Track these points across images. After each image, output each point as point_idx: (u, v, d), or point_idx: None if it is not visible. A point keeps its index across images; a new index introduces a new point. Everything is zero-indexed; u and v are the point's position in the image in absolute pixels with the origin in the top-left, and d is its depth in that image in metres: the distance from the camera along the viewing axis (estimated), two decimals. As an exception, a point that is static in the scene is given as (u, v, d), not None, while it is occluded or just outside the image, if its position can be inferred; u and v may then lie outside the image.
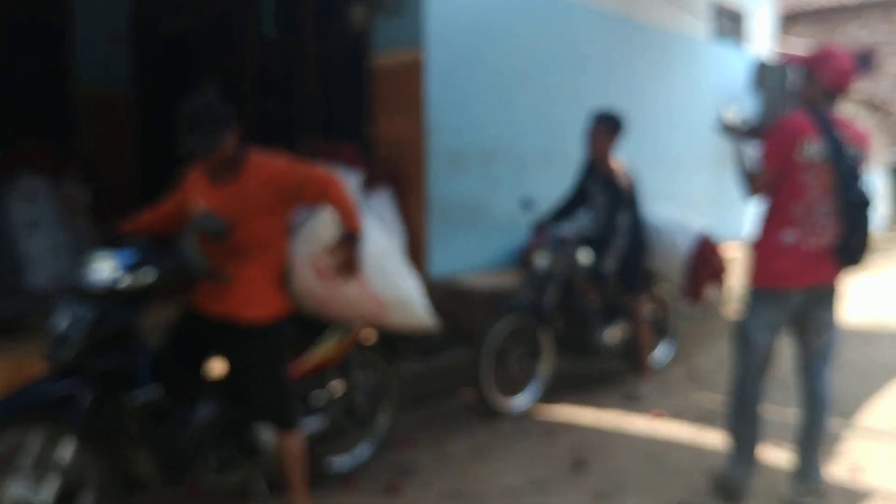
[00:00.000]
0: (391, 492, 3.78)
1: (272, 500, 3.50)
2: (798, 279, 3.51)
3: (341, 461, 3.90)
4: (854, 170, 3.44)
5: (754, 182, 3.55)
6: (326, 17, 6.77)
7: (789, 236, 3.50)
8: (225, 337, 3.26)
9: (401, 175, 6.05)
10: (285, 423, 3.35)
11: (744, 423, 3.71)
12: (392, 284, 3.60)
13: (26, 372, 4.12)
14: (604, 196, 5.35)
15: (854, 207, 3.39)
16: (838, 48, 3.62)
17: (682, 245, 5.67)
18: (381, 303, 3.59)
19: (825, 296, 3.60)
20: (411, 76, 5.93)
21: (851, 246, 3.45)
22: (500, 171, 6.55)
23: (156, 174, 8.57)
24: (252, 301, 3.24)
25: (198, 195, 3.28)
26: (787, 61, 3.87)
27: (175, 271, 3.07)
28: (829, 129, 3.42)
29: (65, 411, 2.86)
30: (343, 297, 3.51)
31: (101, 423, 2.97)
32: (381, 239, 3.69)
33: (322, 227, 3.43)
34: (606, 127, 5.26)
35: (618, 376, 5.91)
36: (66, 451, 2.86)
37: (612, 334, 5.52)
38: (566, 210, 5.51)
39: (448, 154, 6.10)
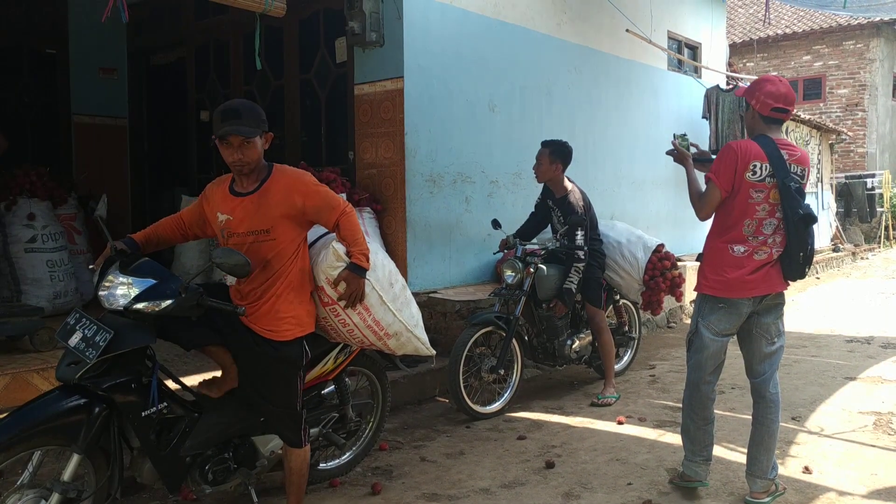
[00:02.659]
0: (373, 494, 3.82)
1: (261, 506, 3.50)
2: (746, 290, 3.58)
3: (327, 465, 3.93)
4: (800, 188, 3.54)
5: (705, 202, 3.63)
6: (310, 49, 6.84)
7: (739, 250, 3.58)
8: (249, 349, 3.21)
9: (381, 196, 6.13)
10: (298, 439, 3.32)
11: (696, 423, 3.78)
12: (396, 312, 3.47)
13: (27, 388, 4.14)
14: (561, 215, 5.48)
15: (799, 223, 3.47)
16: (772, 76, 3.72)
17: (642, 259, 5.79)
18: (384, 332, 3.46)
19: (773, 306, 3.67)
20: (391, 104, 6.02)
21: (797, 259, 3.53)
22: (473, 192, 6.64)
23: (148, 198, 8.61)
24: (278, 317, 3.19)
25: (218, 208, 3.24)
26: (737, 94, 3.98)
27: (191, 304, 2.99)
28: (774, 152, 3.50)
29: (71, 429, 2.82)
30: (346, 325, 3.39)
31: (105, 439, 2.93)
32: (389, 265, 3.56)
33: (330, 257, 3.28)
34: (551, 152, 5.43)
35: (586, 383, 6.00)
36: (70, 466, 2.83)
37: (579, 343, 5.61)
38: (530, 229, 5.70)
39: (425, 176, 6.19)
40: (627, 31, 8.45)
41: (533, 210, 5.86)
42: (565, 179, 5.50)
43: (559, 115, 7.51)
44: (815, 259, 3.61)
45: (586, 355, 5.73)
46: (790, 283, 3.68)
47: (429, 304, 5.95)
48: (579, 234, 5.27)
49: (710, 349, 3.71)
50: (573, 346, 5.55)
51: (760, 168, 3.49)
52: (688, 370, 3.84)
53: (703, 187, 3.69)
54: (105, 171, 8.11)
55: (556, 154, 5.43)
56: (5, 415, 2.85)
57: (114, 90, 8.32)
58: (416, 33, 6.03)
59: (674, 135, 4.03)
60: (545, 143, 5.50)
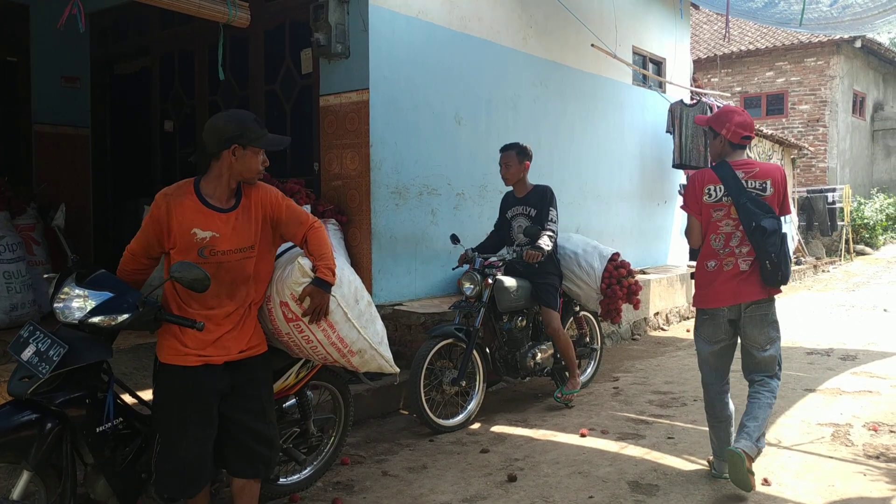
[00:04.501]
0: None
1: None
2: (720, 300, 4.02)
3: (288, 480, 3.88)
4: (759, 201, 3.92)
5: (690, 230, 4.17)
6: (276, 60, 6.81)
7: (710, 265, 4.06)
8: (234, 372, 3.11)
9: (346, 208, 6.12)
10: (268, 469, 3.26)
11: (710, 422, 4.21)
12: (360, 329, 3.40)
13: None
14: (526, 217, 5.58)
15: (755, 233, 3.87)
16: (735, 108, 4.22)
17: (598, 268, 5.85)
18: (348, 350, 3.39)
19: (755, 314, 4.01)
20: (357, 116, 6.02)
21: (766, 267, 3.90)
22: (438, 205, 6.65)
23: (111, 208, 8.48)
24: (257, 330, 3.21)
25: (194, 224, 3.04)
26: (697, 122, 4.46)
27: (149, 318, 2.94)
28: (728, 174, 3.97)
29: (21, 445, 2.74)
30: (310, 341, 3.31)
31: (57, 456, 2.86)
32: (355, 282, 3.50)
33: (296, 272, 3.19)
34: (517, 152, 5.61)
35: (549, 395, 6.01)
36: (20, 483, 2.75)
37: (541, 356, 5.63)
38: (490, 246, 5.78)
39: (391, 188, 6.18)
40: (593, 45, 8.55)
41: (493, 228, 5.94)
42: (528, 178, 5.71)
43: (525, 128, 7.56)
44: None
45: (548, 367, 5.75)
46: (773, 291, 4.01)
47: (394, 317, 5.93)
48: (553, 212, 5.50)
49: (703, 354, 4.20)
50: (535, 358, 5.57)
51: (715, 190, 4.00)
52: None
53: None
54: (66, 180, 7.98)
55: (522, 153, 5.62)
56: (-48, 431, 2.78)
57: (76, 99, 8.20)
58: (381, 45, 6.04)
59: (680, 185, 4.65)
60: (507, 147, 5.68)
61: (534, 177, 5.81)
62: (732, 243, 3.98)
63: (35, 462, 2.77)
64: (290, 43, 6.68)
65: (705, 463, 4.37)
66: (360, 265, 6.00)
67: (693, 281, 4.24)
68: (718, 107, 10.38)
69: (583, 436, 4.98)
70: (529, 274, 5.52)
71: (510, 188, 5.80)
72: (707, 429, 4.30)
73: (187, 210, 3.04)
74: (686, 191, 4.15)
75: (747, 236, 3.91)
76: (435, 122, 6.60)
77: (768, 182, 3.96)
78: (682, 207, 4.21)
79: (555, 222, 5.50)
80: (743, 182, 3.95)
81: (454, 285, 6.75)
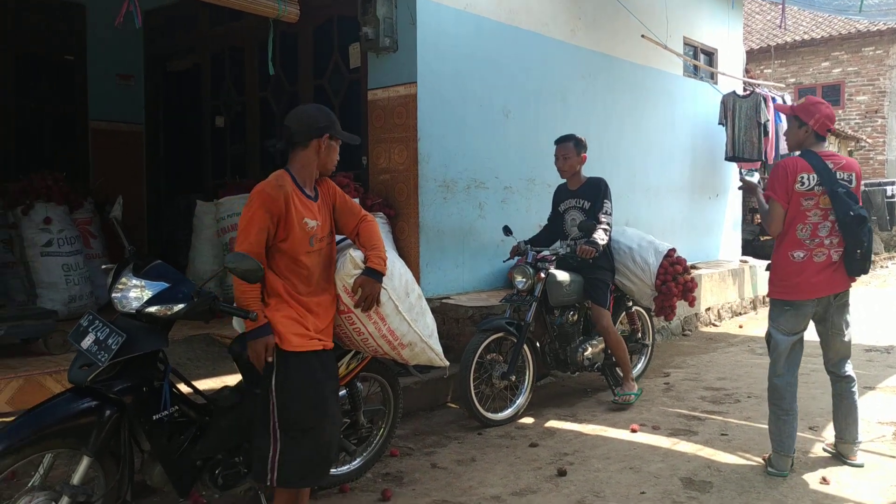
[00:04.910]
0: (383, 501, 3.81)
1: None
2: (811, 292, 4.03)
3: (338, 471, 3.91)
4: (849, 192, 3.95)
5: (772, 217, 4.08)
6: (325, 55, 6.87)
7: (798, 255, 4.04)
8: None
9: (394, 202, 6.14)
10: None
11: (776, 413, 4.11)
12: (411, 322, 3.44)
13: (40, 391, 4.17)
14: (580, 210, 5.49)
15: (852, 223, 3.89)
16: (818, 99, 4.19)
17: (653, 264, 5.75)
18: (398, 342, 3.44)
19: (840, 305, 4.10)
20: (405, 109, 6.03)
21: (855, 256, 3.95)
22: (486, 198, 6.63)
23: (163, 203, 8.65)
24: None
25: (305, 214, 3.15)
26: (778, 109, 4.52)
27: (204, 308, 3.01)
28: (819, 164, 3.98)
29: (82, 431, 2.82)
30: (360, 333, 3.36)
31: (116, 442, 2.93)
32: (406, 275, 3.55)
33: (347, 265, 3.25)
34: (575, 143, 5.55)
35: (599, 390, 5.96)
36: (80, 469, 2.83)
37: (591, 350, 5.57)
38: (543, 239, 5.71)
39: (438, 182, 6.18)
40: (643, 36, 8.42)
41: (547, 222, 5.89)
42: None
43: (573, 121, 7.48)
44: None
45: (599, 362, 5.68)
46: (854, 279, 4.10)
47: (441, 310, 5.93)
48: (608, 205, 5.44)
49: (781, 346, 4.11)
50: (585, 353, 5.51)
51: (808, 179, 3.98)
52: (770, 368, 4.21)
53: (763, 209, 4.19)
54: (121, 176, 8.18)
55: (579, 145, 5.57)
56: (17, 417, 2.87)
57: (130, 96, 8.40)
58: (429, 39, 6.04)
59: (740, 171, 4.56)
60: (563, 139, 5.60)
61: (583, 169, 5.75)
62: (821, 233, 3.99)
63: (94, 448, 2.84)
64: (339, 37, 6.73)
65: (761, 460, 4.28)
66: (408, 258, 6.01)
67: (767, 274, 4.21)
68: (773, 98, 10.15)
69: (633, 431, 4.92)
70: (582, 268, 5.44)
71: (563, 181, 5.72)
72: (762, 426, 4.22)
73: (297, 201, 3.14)
74: (774, 178, 4.07)
75: (841, 225, 3.92)
76: (483, 115, 6.58)
77: (853, 175, 4.05)
78: (765, 194, 4.14)
79: (609, 215, 5.42)
80: (833, 173, 3.97)
81: (502, 279, 6.74)
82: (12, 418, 3.21)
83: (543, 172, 7.08)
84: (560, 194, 5.77)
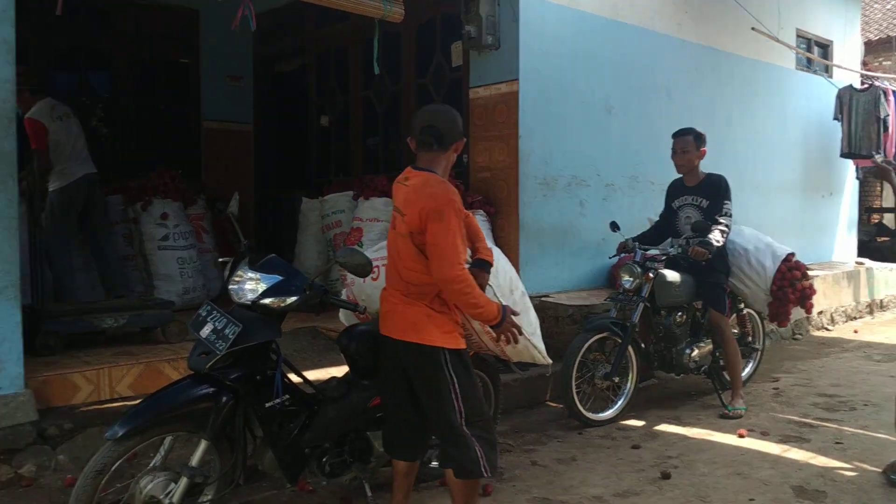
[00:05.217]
0: (484, 495, 3.83)
1: None
2: None
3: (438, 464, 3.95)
4: None
5: None
6: (427, 54, 6.95)
7: None
8: None
9: (494, 199, 6.15)
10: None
11: None
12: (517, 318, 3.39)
13: (159, 377, 4.40)
14: (696, 208, 5.34)
15: None
16: None
17: (770, 268, 5.52)
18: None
19: None
20: (506, 107, 6.04)
21: None
22: (587, 196, 6.56)
23: (271, 200, 8.96)
24: None
25: None
26: None
27: (315, 301, 3.12)
28: None
29: (200, 416, 2.97)
30: (465, 329, 3.34)
31: (231, 428, 3.07)
32: (510, 272, 3.57)
33: None
34: (695, 137, 5.34)
35: (704, 393, 5.81)
36: (198, 452, 2.98)
37: (698, 352, 5.42)
38: (652, 236, 5.54)
39: (539, 179, 6.16)
40: (753, 29, 8.13)
41: (658, 219, 5.74)
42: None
43: (678, 115, 7.30)
44: None
45: (705, 365, 5.52)
46: None
47: (540, 308, 5.90)
48: (727, 205, 5.22)
49: None
50: (692, 355, 5.37)
51: None
52: None
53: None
54: (231, 173, 8.51)
55: (699, 139, 5.35)
56: (142, 400, 3.04)
57: (240, 97, 8.73)
58: (531, 36, 6.02)
59: (873, 153, 4.32)
60: (682, 132, 5.40)
61: (690, 166, 5.61)
62: None
63: (212, 432, 2.99)
64: (441, 36, 6.79)
65: (880, 470, 4.08)
66: (508, 256, 5.96)
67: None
68: (894, 92, 9.62)
69: (741, 436, 4.77)
70: (694, 270, 5.26)
71: (678, 176, 5.54)
72: (880, 436, 4.02)
73: None
74: None
75: None
76: (585, 111, 6.51)
77: None
78: None
79: (729, 217, 5.19)
80: None
81: (602, 278, 6.66)
82: (135, 402, 3.41)
83: (647, 170, 6.96)
84: (675, 190, 5.56)
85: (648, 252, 5.21)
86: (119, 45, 7.89)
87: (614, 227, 5.38)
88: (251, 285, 3.08)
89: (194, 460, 2.98)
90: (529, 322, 3.55)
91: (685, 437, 4.81)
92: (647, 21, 7.05)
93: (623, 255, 5.48)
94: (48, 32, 7.05)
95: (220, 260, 3.43)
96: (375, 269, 3.36)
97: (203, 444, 2.99)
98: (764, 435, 4.80)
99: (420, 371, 3.09)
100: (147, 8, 7.94)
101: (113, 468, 2.89)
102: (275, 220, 8.86)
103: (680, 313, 5.33)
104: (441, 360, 3.04)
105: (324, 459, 3.36)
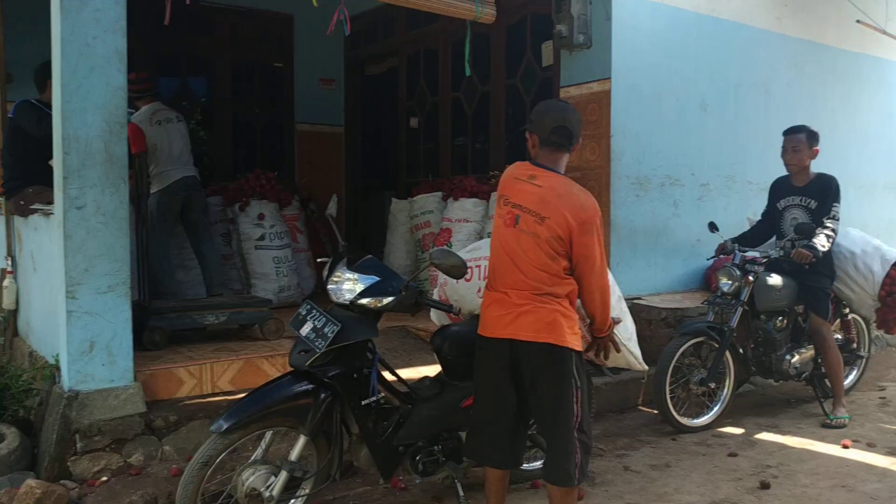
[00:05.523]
0: (576, 500, 3.80)
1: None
2: None
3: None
4: None
5: None
6: (517, 54, 6.94)
7: None
8: None
9: (585, 200, 6.08)
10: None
11: None
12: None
13: (258, 373, 4.55)
14: (804, 210, 5.16)
15: None
16: None
17: (878, 273, 5.27)
18: None
19: None
20: (598, 106, 5.97)
21: None
22: (681, 196, 6.41)
23: (361, 201, 9.13)
24: None
25: None
26: None
27: (411, 301, 3.16)
28: None
29: (300, 412, 3.06)
30: None
31: (329, 424, 3.15)
32: (608, 275, 3.45)
33: None
34: (808, 135, 5.17)
35: (804, 401, 5.60)
36: (297, 447, 3.07)
37: (799, 358, 5.23)
38: (753, 237, 5.37)
39: (631, 179, 6.06)
40: (858, 21, 7.77)
41: (760, 218, 5.59)
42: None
43: (778, 113, 7.06)
44: None
45: (806, 372, 5.31)
46: None
47: (632, 311, 5.73)
48: (836, 208, 5.03)
49: None
50: (793, 361, 5.18)
51: None
52: None
53: None
54: (323, 175, 8.71)
55: (812, 137, 5.18)
56: (244, 395, 3.15)
57: (332, 99, 8.91)
58: (624, 34, 5.93)
59: None
60: (795, 129, 5.23)
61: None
62: None
63: (310, 428, 3.07)
64: (531, 36, 6.77)
65: None
66: (599, 257, 5.94)
67: None
68: None
69: (845, 447, 4.58)
70: (796, 273, 5.10)
71: (784, 174, 5.38)
72: None
73: None
74: None
75: None
76: (679, 109, 6.37)
77: None
78: None
79: (836, 221, 5.00)
80: None
81: (697, 280, 6.50)
82: (234, 397, 3.54)
83: (744, 169, 6.76)
84: (780, 189, 5.39)
85: (748, 254, 5.06)
86: (217, 51, 8.17)
87: (712, 227, 5.25)
88: (349, 285, 3.15)
89: (293, 455, 3.07)
90: (626, 328, 3.50)
91: (785, 446, 4.65)
92: (744, 16, 6.84)
93: (720, 256, 5.34)
94: (151, 40, 7.38)
95: (319, 260, 3.52)
96: (469, 270, 3.37)
97: (302, 440, 3.07)
98: (870, 446, 4.60)
99: (548, 373, 3.01)
100: (244, 13, 8.20)
101: (217, 460, 3.01)
102: (364, 221, 9.02)
103: (781, 318, 5.15)
104: (570, 362, 3.01)
105: (417, 458, 3.40)
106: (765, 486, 3.97)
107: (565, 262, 3.00)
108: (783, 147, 5.24)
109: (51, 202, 4.43)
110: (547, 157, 3.12)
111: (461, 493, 3.52)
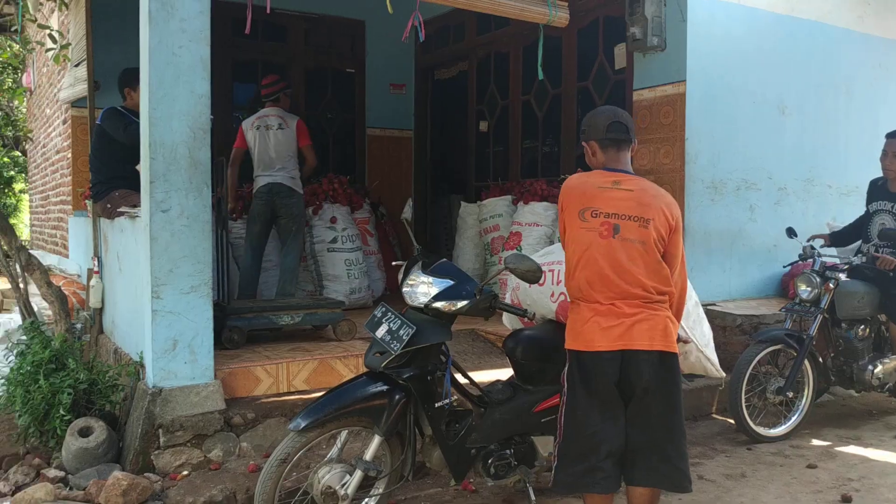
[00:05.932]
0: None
1: (539, 507, 3.57)
2: None
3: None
4: None
5: None
6: (588, 57, 6.90)
7: None
8: None
9: (658, 204, 6.01)
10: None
11: None
12: (688, 330, 3.38)
13: (331, 373, 4.64)
14: (892, 217, 5.03)
15: None
16: None
17: None
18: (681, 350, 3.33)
19: None
20: (672, 108, 5.89)
21: None
22: (757, 200, 6.27)
23: (429, 204, 9.20)
24: None
25: None
26: None
27: (485, 306, 3.19)
28: None
29: (375, 412, 3.11)
30: None
31: (403, 425, 3.20)
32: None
33: None
34: None
35: (887, 413, 5.42)
36: (371, 446, 3.12)
37: (882, 368, 5.05)
38: (843, 235, 5.23)
39: (706, 183, 5.96)
40: (946, 18, 7.48)
41: (856, 219, 5.47)
42: None
43: (859, 115, 6.85)
44: None
45: (890, 383, 5.13)
46: None
47: (707, 317, 5.70)
48: None
49: None
50: (875, 371, 5.01)
51: None
52: None
53: None
54: (393, 179, 8.81)
55: None
56: (321, 394, 3.23)
57: (402, 104, 9.01)
58: (700, 35, 5.84)
59: None
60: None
61: (873, 168, 5.26)
62: None
63: (385, 428, 3.12)
64: (604, 39, 6.72)
65: None
66: (672, 262, 5.86)
67: None
68: None
69: (932, 462, 4.42)
70: (880, 280, 4.95)
71: (879, 177, 5.25)
72: None
73: None
74: None
75: None
76: (755, 111, 6.23)
77: None
78: None
79: None
80: None
81: (773, 286, 6.36)
82: (310, 396, 3.61)
83: (823, 172, 6.58)
84: (875, 192, 5.26)
85: (828, 261, 4.93)
86: (290, 57, 8.37)
87: (791, 233, 5.13)
88: (424, 289, 3.19)
89: (368, 454, 3.12)
90: (703, 333, 3.45)
91: (867, 459, 4.50)
92: (824, 15, 6.66)
93: (798, 262, 5.21)
94: (230, 48, 7.60)
95: (395, 263, 3.58)
96: (542, 275, 3.37)
97: (377, 439, 3.13)
98: (960, 462, 4.42)
99: (662, 380, 2.95)
100: (317, 20, 8.37)
101: (295, 458, 3.08)
102: (433, 225, 9.09)
103: (863, 326, 5.00)
104: (678, 367, 3.01)
105: (489, 461, 3.42)
106: (846, 499, 3.85)
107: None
108: (884, 150, 5.09)
109: (136, 205, 4.61)
110: (614, 158, 3.08)
111: (533, 497, 3.51)
